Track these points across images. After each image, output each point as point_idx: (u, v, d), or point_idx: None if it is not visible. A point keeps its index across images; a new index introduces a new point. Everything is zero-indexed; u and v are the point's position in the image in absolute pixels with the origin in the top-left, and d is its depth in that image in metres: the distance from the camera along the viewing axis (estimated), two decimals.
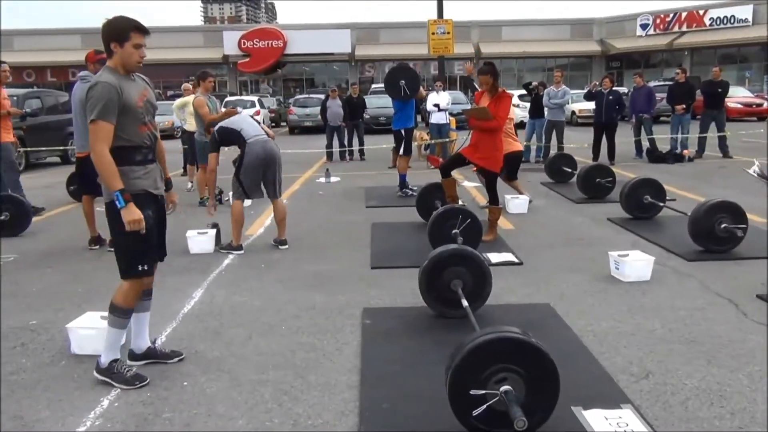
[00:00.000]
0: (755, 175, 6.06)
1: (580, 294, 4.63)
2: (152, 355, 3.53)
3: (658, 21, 37.81)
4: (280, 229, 6.17)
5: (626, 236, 6.38)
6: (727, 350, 3.56)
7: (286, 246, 6.11)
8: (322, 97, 17.26)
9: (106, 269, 5.16)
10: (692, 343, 3.68)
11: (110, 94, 3.06)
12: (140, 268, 3.24)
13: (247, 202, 6.25)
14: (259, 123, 6.20)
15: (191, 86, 10.90)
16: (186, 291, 4.83)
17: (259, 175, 5.89)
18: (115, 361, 3.29)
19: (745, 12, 34.30)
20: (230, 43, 38.32)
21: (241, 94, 32.80)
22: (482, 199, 8.22)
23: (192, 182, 9.93)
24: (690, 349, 3.60)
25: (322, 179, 10.84)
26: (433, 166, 11.29)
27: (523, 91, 15.20)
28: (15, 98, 11.06)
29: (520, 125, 19.44)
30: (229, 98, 24.82)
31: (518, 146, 8.01)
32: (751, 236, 5.63)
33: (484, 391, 2.56)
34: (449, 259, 4.08)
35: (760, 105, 23.20)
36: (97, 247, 6.28)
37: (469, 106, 17.24)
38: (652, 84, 17.06)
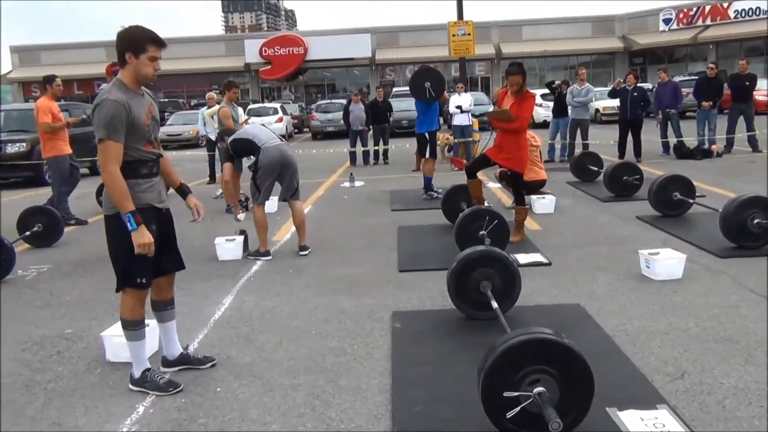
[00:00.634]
0: None
1: (611, 293, 4.58)
2: (185, 361, 3.57)
3: (681, 15, 37.29)
4: (300, 235, 6.19)
5: (656, 234, 6.29)
6: (764, 348, 3.49)
7: (307, 252, 6.12)
8: (344, 102, 17.35)
9: None
10: (727, 341, 3.62)
11: (118, 111, 3.00)
12: (138, 280, 3.20)
13: (273, 208, 6.31)
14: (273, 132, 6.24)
15: (215, 95, 11.05)
16: (216, 297, 4.88)
17: (275, 179, 5.95)
18: (148, 370, 3.33)
19: None
20: (251, 51, 38.82)
21: (263, 102, 33.10)
22: (507, 200, 8.18)
23: (221, 189, 10.03)
24: (725, 347, 3.54)
25: (347, 184, 10.87)
26: (456, 168, 11.26)
27: (546, 90, 15.11)
28: None
29: (543, 125, 19.37)
30: (251, 106, 25.09)
31: (542, 175, 8.03)
32: None
33: (517, 393, 2.54)
34: (477, 261, 4.06)
35: None
36: None
37: (491, 108, 17.20)
38: (677, 79, 16.80)
